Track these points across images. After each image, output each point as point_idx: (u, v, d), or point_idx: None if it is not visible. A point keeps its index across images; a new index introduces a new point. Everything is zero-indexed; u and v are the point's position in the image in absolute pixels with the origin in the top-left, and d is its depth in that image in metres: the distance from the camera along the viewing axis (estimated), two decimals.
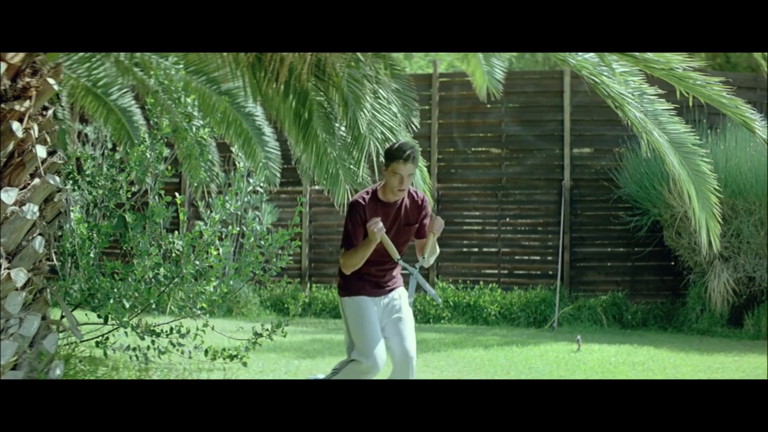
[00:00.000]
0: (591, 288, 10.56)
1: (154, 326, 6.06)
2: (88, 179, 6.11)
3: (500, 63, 4.72)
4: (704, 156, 5.05)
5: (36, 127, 4.34)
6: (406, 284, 4.52)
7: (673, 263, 10.33)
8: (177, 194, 6.18)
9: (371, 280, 4.43)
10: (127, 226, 5.84)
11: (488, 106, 10.64)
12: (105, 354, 6.19)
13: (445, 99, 10.99)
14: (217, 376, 6.10)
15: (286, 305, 10.27)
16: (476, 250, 11.05)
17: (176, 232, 6.05)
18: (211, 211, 6.05)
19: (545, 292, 10.32)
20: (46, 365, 4.28)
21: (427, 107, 10.74)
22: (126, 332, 5.94)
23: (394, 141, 5.92)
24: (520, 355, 7.55)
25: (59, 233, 5.94)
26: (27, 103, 4.27)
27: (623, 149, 10.29)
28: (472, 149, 11.12)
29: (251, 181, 6.41)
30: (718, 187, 5.05)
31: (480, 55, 4.40)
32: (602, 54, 4.75)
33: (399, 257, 4.40)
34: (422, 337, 7.36)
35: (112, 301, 5.70)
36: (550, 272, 10.63)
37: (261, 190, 6.47)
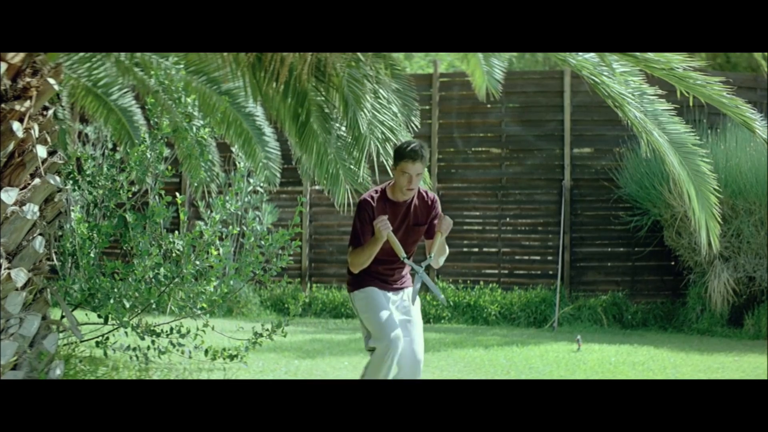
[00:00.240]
0: (591, 288, 10.56)
1: (154, 326, 6.06)
2: (88, 179, 6.11)
3: (500, 63, 4.71)
4: (704, 156, 5.04)
5: (36, 127, 4.34)
6: None
7: (673, 263, 10.34)
8: (177, 194, 6.18)
9: (380, 278, 4.42)
10: (127, 226, 5.84)
11: (488, 106, 10.65)
12: (105, 354, 6.19)
13: (446, 99, 10.99)
14: (217, 376, 6.10)
15: (286, 305, 10.27)
16: (476, 250, 11.05)
17: (176, 232, 6.05)
18: (212, 211, 6.06)
19: (545, 292, 10.32)
20: (46, 365, 4.28)
21: (427, 107, 10.75)
22: (126, 332, 5.94)
23: (402, 140, 5.93)
24: (520, 355, 7.55)
25: (59, 233, 5.94)
26: (27, 103, 4.27)
27: (623, 149, 10.29)
28: (472, 149, 11.12)
29: (251, 181, 6.41)
30: (718, 187, 5.04)
31: (479, 55, 4.40)
32: (602, 54, 4.75)
33: (405, 256, 4.36)
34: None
35: (112, 301, 5.70)
36: (550, 272, 10.63)
37: (261, 190, 6.48)
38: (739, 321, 9.42)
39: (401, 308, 4.43)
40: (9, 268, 4.11)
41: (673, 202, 9.34)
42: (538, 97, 10.92)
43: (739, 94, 5.01)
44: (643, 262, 10.55)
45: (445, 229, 4.37)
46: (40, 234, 4.33)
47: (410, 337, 4.35)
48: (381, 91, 5.98)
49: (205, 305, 6.06)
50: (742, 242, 9.36)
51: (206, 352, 6.29)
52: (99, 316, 5.85)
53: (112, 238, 6.00)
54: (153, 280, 5.86)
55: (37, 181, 4.34)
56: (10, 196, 4.17)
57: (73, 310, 5.77)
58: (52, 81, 4.37)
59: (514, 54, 10.84)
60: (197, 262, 5.92)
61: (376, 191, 4.41)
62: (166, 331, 6.15)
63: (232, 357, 6.30)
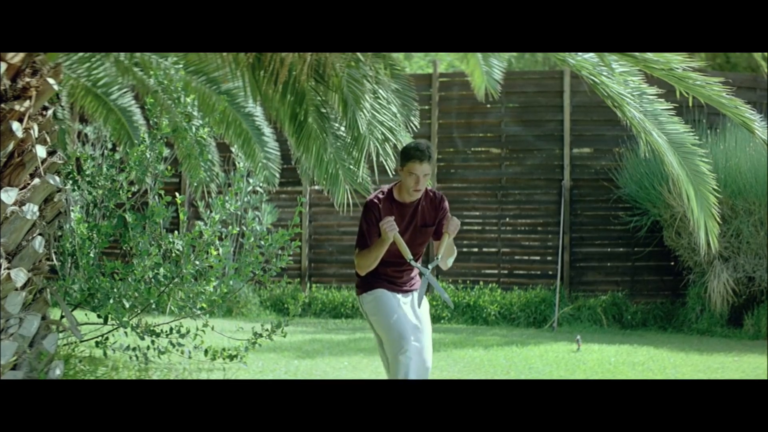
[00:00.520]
0: (591, 288, 10.57)
1: (154, 326, 6.07)
2: (88, 179, 6.11)
3: (499, 63, 4.71)
4: (703, 156, 5.03)
5: (36, 127, 4.34)
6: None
7: (672, 263, 10.34)
8: (177, 194, 6.18)
9: (389, 280, 4.37)
10: (127, 226, 5.84)
11: (488, 106, 10.65)
12: (105, 354, 6.20)
13: (445, 99, 10.99)
14: (217, 376, 6.10)
15: (285, 305, 10.26)
16: (476, 250, 11.05)
17: (176, 232, 6.05)
18: (211, 211, 6.05)
19: (545, 292, 10.32)
20: (46, 365, 4.28)
21: (427, 107, 10.75)
22: (126, 332, 5.94)
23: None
24: (520, 355, 7.55)
25: (59, 233, 5.94)
26: (27, 103, 4.27)
27: (623, 149, 10.29)
28: (472, 149, 11.12)
29: (251, 181, 6.41)
30: (717, 187, 5.03)
31: (479, 55, 4.39)
32: (602, 54, 4.75)
33: (411, 257, 4.29)
34: None
35: (112, 301, 5.70)
36: (550, 272, 10.64)
37: (261, 190, 6.48)
38: (738, 321, 9.42)
39: (411, 311, 4.37)
40: (9, 268, 4.11)
41: (672, 202, 9.35)
42: (538, 97, 10.93)
43: (738, 94, 5.01)
44: (642, 263, 10.55)
45: (452, 231, 4.31)
46: (40, 234, 4.33)
47: (420, 344, 4.24)
48: (380, 91, 5.97)
49: (204, 305, 6.06)
50: (741, 242, 9.36)
51: (206, 352, 6.29)
52: (99, 316, 5.85)
53: (111, 238, 6.00)
54: (153, 280, 5.86)
55: (36, 181, 4.34)
56: (9, 196, 4.17)
57: (72, 310, 5.77)
58: (51, 81, 4.37)
59: (514, 54, 10.86)
60: (197, 262, 5.92)
61: (383, 192, 4.36)
62: (166, 331, 6.15)
63: (231, 357, 6.30)
